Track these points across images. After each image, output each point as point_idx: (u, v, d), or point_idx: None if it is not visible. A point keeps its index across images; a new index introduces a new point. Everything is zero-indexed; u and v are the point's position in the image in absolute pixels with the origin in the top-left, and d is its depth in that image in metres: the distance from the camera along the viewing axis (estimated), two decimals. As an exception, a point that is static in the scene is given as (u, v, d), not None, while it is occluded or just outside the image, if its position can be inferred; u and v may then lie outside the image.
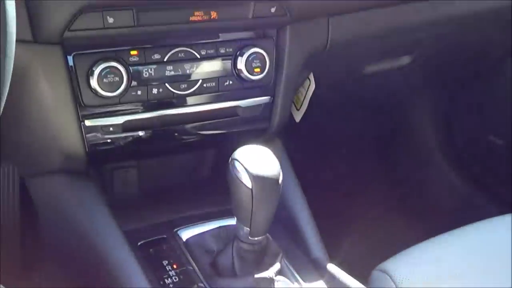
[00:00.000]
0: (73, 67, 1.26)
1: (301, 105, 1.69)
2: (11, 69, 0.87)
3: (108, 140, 1.35)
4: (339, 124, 2.41)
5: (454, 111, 2.48)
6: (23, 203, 1.65)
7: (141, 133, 1.37)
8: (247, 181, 1.15)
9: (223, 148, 1.53)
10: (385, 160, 2.62)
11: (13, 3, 0.86)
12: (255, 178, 1.15)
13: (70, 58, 1.25)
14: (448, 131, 2.52)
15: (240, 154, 1.19)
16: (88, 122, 1.31)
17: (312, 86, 1.63)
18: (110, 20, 1.22)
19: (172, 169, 1.65)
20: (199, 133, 1.45)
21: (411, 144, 2.61)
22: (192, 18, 1.29)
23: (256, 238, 1.23)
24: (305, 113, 1.72)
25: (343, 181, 2.38)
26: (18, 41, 1.15)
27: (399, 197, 2.53)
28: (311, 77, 1.63)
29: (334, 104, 2.12)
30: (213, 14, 1.31)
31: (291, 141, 1.64)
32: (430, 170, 2.58)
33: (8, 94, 1.23)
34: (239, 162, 1.17)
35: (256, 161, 1.17)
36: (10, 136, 1.38)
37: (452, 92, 2.44)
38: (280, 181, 1.18)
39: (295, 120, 1.73)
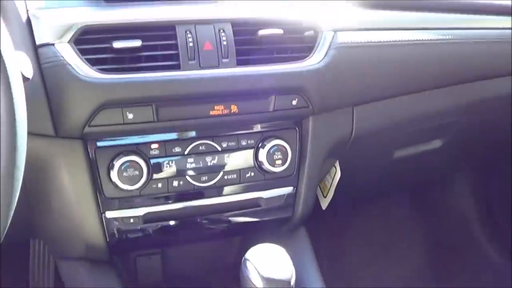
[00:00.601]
0: (94, 160, 1.28)
1: (327, 192, 1.67)
2: (21, 179, 0.88)
3: (129, 231, 1.35)
4: (370, 207, 2.38)
5: (493, 186, 2.43)
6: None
7: (162, 224, 1.37)
8: (258, 283, 1.14)
9: (248, 236, 1.52)
10: (421, 238, 2.57)
11: (24, 110, 0.88)
12: (266, 280, 1.13)
13: (91, 152, 1.28)
14: (488, 207, 2.46)
15: (252, 254, 1.18)
16: (108, 214, 1.32)
17: (338, 175, 1.61)
18: (130, 116, 1.23)
19: (196, 257, 1.64)
20: (221, 224, 1.44)
21: (449, 220, 2.56)
22: (212, 112, 1.30)
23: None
24: (332, 198, 1.69)
25: (375, 265, 2.34)
26: (40, 135, 1.19)
27: (437, 273, 2.46)
28: (337, 165, 1.61)
29: (363, 189, 2.09)
30: (233, 108, 1.31)
31: (317, 228, 1.62)
32: (469, 246, 2.52)
33: (31, 184, 1.26)
34: (251, 262, 1.16)
35: (268, 262, 1.16)
36: (38, 220, 1.40)
37: (490, 167, 2.39)
38: (292, 283, 1.16)
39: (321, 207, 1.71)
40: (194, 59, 1.25)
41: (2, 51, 0.82)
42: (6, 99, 0.82)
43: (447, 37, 1.54)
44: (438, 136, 1.84)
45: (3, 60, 0.82)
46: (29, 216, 1.36)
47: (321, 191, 1.70)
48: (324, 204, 1.70)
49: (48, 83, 1.19)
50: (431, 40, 1.52)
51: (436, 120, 1.73)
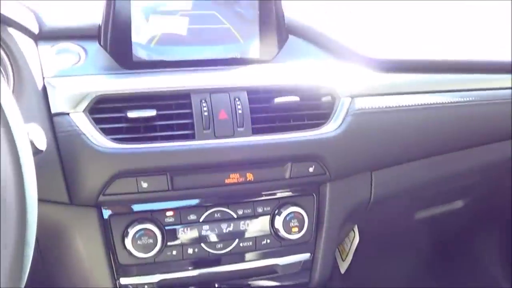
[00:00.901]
0: (108, 228, 1.27)
1: (346, 256, 1.64)
2: (31, 256, 0.87)
3: None
4: (391, 267, 2.33)
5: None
6: None
7: None
8: None
9: None
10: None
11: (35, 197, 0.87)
12: None
13: (105, 219, 1.27)
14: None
15: None
16: (123, 280, 1.31)
17: (357, 239, 1.58)
18: (144, 185, 1.23)
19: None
20: None
21: (474, 279, 2.50)
22: (227, 181, 1.29)
23: None
24: (352, 261, 1.66)
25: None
26: (54, 202, 1.19)
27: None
28: (356, 229, 1.59)
29: (384, 251, 2.06)
30: (249, 176, 1.30)
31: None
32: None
33: (47, 248, 1.25)
34: None
35: None
36: (54, 281, 1.40)
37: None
38: None
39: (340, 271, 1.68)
40: (209, 128, 1.24)
41: (11, 127, 0.81)
42: (16, 177, 0.82)
43: (464, 99, 1.52)
44: (460, 196, 1.81)
45: (13, 136, 0.81)
46: (46, 276, 1.36)
47: (340, 254, 1.68)
48: (343, 267, 1.68)
49: (63, 152, 1.19)
50: (449, 103, 1.49)
51: (457, 181, 1.70)
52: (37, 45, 1.28)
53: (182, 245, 1.32)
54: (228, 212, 1.34)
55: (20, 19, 1.24)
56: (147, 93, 1.24)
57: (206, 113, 1.24)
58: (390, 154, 1.47)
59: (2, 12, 1.20)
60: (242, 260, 1.38)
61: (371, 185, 1.49)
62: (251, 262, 1.39)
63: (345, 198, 1.45)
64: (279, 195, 1.38)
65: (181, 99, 1.25)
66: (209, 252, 1.34)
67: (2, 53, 1.23)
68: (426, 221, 1.80)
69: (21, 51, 1.21)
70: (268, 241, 1.38)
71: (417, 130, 1.47)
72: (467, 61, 1.56)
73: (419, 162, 1.53)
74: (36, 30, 1.28)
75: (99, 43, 1.30)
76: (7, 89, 0.83)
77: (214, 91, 1.27)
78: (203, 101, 1.25)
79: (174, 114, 1.24)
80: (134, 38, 1.28)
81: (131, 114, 1.20)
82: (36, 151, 0.95)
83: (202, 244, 1.33)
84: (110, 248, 1.28)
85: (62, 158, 1.19)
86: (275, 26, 1.37)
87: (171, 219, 1.30)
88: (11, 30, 1.22)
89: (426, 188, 1.62)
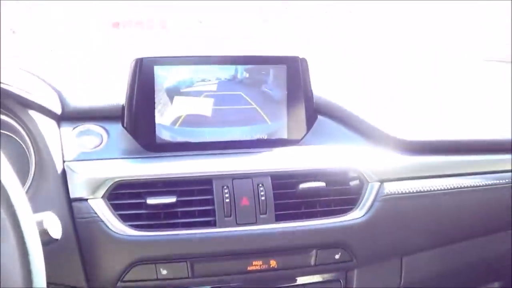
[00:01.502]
0: None
1: None
2: None
3: None
4: None
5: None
6: None
7: None
8: None
9: None
10: None
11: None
12: None
13: None
14: None
15: None
16: None
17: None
18: (164, 272, 1.20)
19: None
20: None
21: None
22: (250, 268, 1.25)
23: None
24: None
25: None
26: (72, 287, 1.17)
27: None
28: (386, 313, 1.53)
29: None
30: (272, 263, 1.26)
31: None
32: None
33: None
34: None
35: None
36: None
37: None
38: None
39: None
40: (230, 216, 1.21)
41: (20, 220, 0.79)
42: (24, 271, 0.79)
43: (496, 182, 1.45)
44: (496, 278, 1.74)
45: (21, 229, 0.79)
46: None
47: None
48: None
49: (81, 238, 1.17)
50: (480, 185, 1.43)
51: (492, 264, 1.63)
52: (59, 126, 1.26)
53: None
54: None
55: (43, 101, 1.23)
56: (167, 179, 1.21)
57: (227, 200, 1.21)
58: (419, 239, 1.41)
59: (24, 96, 1.19)
60: None
61: (401, 270, 1.43)
62: None
63: (373, 284, 1.40)
64: (304, 281, 1.34)
65: (203, 185, 1.22)
66: None
67: (25, 135, 1.22)
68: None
69: (41, 134, 1.20)
70: None
71: (449, 214, 1.42)
72: (498, 141, 1.50)
73: (451, 246, 1.47)
74: (58, 111, 1.26)
75: (122, 125, 1.28)
76: (17, 183, 0.81)
77: (236, 176, 1.23)
78: (225, 187, 1.21)
79: (195, 200, 1.22)
80: (158, 120, 1.26)
81: (151, 201, 1.18)
82: (50, 240, 0.93)
83: None
84: None
85: (80, 244, 1.17)
86: (304, 107, 1.34)
87: None
88: (32, 112, 1.21)
89: (460, 271, 1.55)
